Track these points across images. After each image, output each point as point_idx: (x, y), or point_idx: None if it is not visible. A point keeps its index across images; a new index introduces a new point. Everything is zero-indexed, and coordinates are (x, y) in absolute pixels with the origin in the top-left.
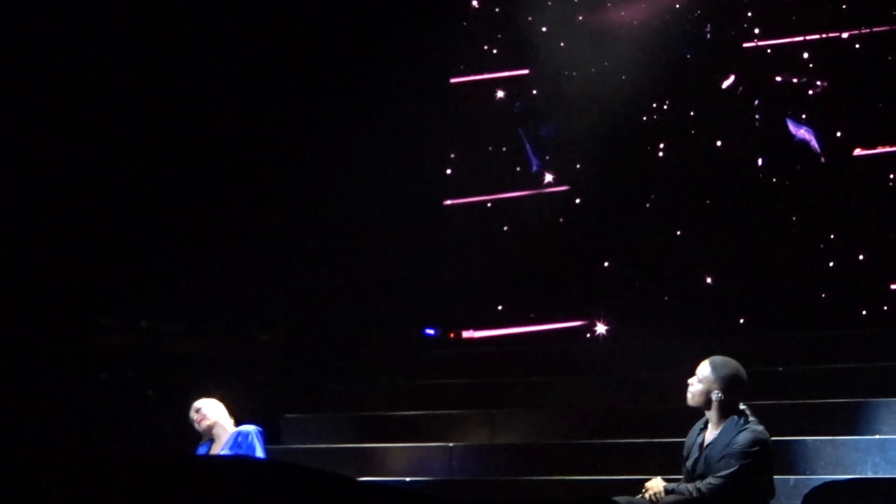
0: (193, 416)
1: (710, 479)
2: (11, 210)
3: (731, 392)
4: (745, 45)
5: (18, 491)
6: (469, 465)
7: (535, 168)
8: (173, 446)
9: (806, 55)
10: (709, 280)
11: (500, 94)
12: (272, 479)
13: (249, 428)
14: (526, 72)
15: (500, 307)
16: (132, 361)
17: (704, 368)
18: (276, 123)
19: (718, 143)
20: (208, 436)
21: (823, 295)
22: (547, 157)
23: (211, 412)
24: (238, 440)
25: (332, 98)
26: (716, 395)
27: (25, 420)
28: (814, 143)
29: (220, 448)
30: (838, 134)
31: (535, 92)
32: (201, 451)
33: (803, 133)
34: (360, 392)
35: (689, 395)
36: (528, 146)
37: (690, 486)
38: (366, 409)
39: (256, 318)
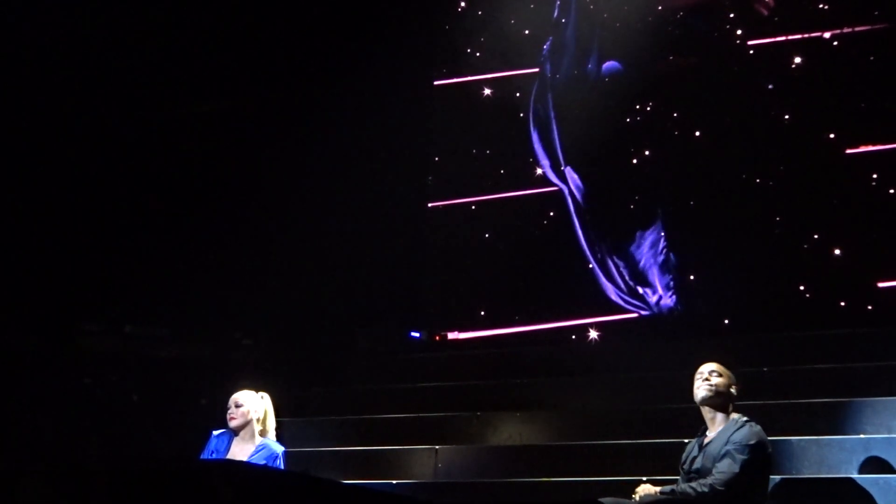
0: (232, 409)
1: (713, 477)
2: None
3: (737, 390)
4: (729, 45)
5: None
6: (455, 467)
7: (544, 168)
8: (158, 451)
9: (790, 55)
10: (692, 280)
11: (487, 91)
12: (256, 482)
13: (278, 449)
14: (508, 74)
15: (484, 309)
16: (116, 366)
17: (721, 366)
18: (258, 129)
19: (702, 145)
20: (235, 431)
21: (808, 295)
22: (545, 158)
23: (253, 411)
24: (266, 462)
25: (315, 102)
26: (733, 391)
27: (9, 425)
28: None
29: (241, 451)
30: (823, 133)
31: (517, 94)
32: (216, 440)
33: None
34: (345, 395)
35: (707, 390)
36: (537, 145)
37: (694, 484)
38: (352, 412)
39: (240, 323)
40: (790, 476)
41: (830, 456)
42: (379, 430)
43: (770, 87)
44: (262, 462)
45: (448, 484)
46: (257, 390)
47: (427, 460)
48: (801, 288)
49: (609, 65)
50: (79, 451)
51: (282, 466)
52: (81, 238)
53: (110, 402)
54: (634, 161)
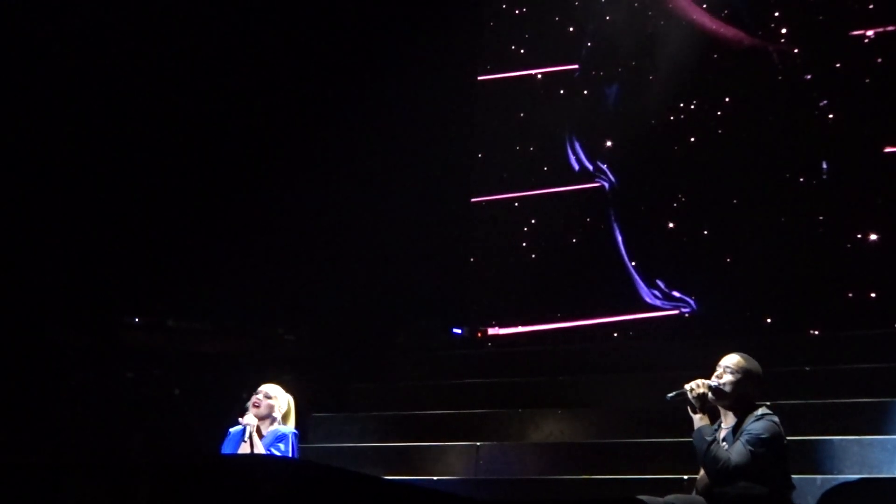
0: (260, 397)
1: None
2: (39, 211)
3: (757, 386)
4: (771, 45)
5: (43, 490)
6: (496, 464)
7: (577, 168)
8: (200, 445)
9: (833, 54)
10: (735, 280)
11: (539, 75)
12: (297, 478)
13: (286, 430)
14: (552, 70)
15: (527, 306)
16: (159, 361)
17: (738, 360)
18: (302, 122)
19: (745, 143)
20: (261, 422)
21: (850, 294)
22: (580, 156)
23: (278, 407)
24: (275, 444)
25: (359, 96)
26: (747, 387)
27: (53, 419)
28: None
29: (259, 441)
30: (867, 133)
31: (561, 91)
32: (236, 436)
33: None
34: (387, 391)
35: (721, 386)
36: (569, 148)
37: (722, 452)
38: (393, 408)
39: (283, 318)
40: (832, 476)
41: (872, 456)
42: (420, 427)
43: (814, 85)
44: (275, 444)
45: (489, 481)
46: (287, 389)
47: (468, 457)
48: (844, 287)
49: None
50: (121, 446)
51: (293, 445)
52: (124, 232)
53: (152, 397)
54: (675, 160)
